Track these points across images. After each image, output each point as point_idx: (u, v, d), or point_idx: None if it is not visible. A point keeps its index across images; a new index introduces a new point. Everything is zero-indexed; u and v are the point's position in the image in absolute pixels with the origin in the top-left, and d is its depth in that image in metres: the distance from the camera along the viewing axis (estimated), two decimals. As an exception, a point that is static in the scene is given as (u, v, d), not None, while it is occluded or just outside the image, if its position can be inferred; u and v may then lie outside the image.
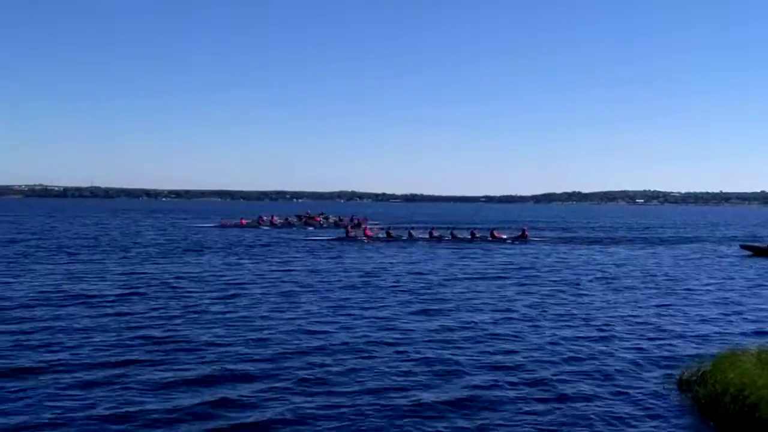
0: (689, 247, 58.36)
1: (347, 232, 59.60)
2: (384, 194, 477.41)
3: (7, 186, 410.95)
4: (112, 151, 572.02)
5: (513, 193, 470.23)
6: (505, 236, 61.07)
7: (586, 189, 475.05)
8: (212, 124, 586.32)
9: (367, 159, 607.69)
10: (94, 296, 24.56)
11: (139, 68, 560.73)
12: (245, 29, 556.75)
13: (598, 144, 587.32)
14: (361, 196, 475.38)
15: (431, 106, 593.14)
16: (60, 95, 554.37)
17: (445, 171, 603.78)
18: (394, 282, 30.41)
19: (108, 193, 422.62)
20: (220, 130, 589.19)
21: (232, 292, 26.43)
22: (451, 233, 61.03)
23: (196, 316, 21.28)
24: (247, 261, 38.59)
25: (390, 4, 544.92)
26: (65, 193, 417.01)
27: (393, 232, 61.02)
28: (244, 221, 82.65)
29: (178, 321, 20.40)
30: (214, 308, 22.68)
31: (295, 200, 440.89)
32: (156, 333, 18.59)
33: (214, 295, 25.69)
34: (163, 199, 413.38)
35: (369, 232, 60.65)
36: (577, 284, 31.34)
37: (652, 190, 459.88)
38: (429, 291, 27.91)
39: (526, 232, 62.80)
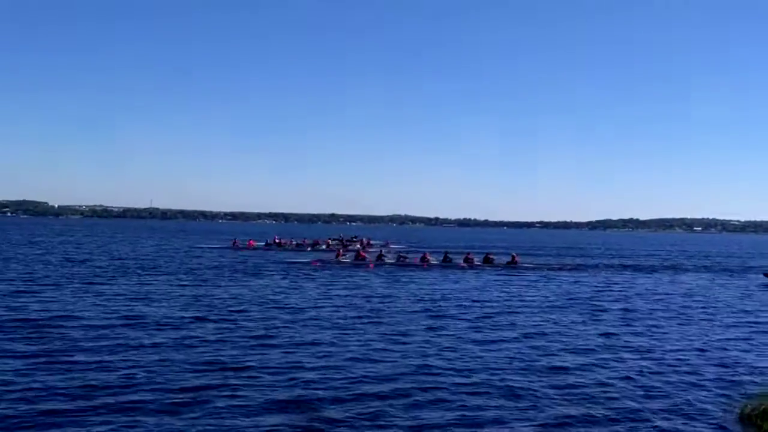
0: (756, 277, 56.96)
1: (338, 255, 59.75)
2: (437, 218, 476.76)
3: (69, 206, 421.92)
4: (171, 173, 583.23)
5: (568, 219, 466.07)
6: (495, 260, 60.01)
7: (642, 216, 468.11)
8: (267, 147, 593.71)
9: (420, 183, 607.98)
10: (164, 318, 25.03)
11: (197, 95, 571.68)
12: (298, 60, 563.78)
13: (656, 170, 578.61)
14: (414, 220, 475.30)
15: (484, 130, 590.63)
16: (120, 120, 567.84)
17: (500, 196, 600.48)
18: (441, 308, 30.32)
19: (166, 215, 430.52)
20: (275, 153, 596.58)
21: (292, 316, 26.73)
22: (445, 255, 59.96)
23: (269, 340, 21.58)
24: (306, 284, 38.94)
25: (452, 36, 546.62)
26: (124, 213, 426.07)
27: (368, 256, 59.93)
28: (253, 242, 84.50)
29: (250, 345, 20.70)
30: (284, 332, 22.96)
31: (348, 223, 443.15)
32: (226, 357, 18.84)
33: (284, 318, 26.04)
34: (220, 221, 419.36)
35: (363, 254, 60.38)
36: (641, 312, 31.05)
37: (710, 218, 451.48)
38: (491, 319, 27.72)
39: (516, 258, 60.75)
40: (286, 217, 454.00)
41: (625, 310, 32.09)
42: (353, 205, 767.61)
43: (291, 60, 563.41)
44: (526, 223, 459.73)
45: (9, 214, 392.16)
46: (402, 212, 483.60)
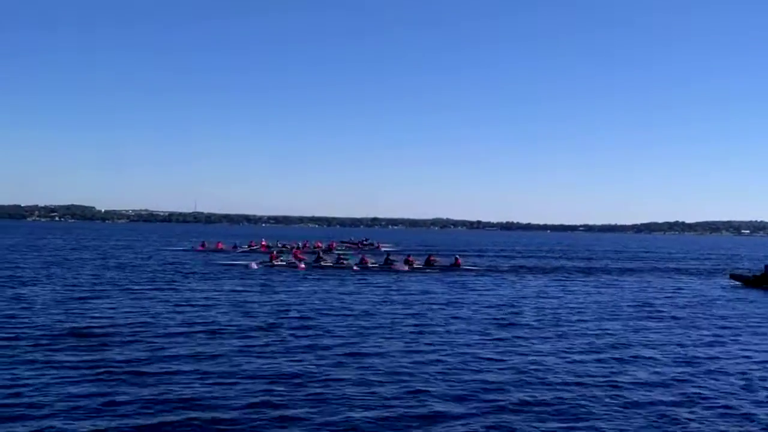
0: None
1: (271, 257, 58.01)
2: (479, 222, 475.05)
3: (115, 211, 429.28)
4: (215, 177, 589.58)
5: (613, 222, 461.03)
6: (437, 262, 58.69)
7: (688, 219, 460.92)
8: (310, 151, 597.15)
9: (461, 186, 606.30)
10: (224, 326, 25.06)
11: (240, 101, 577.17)
12: (341, 65, 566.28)
13: (702, 173, 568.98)
14: (455, 223, 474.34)
15: (528, 132, 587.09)
16: (166, 126, 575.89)
17: (543, 198, 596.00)
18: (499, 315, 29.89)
19: (210, 219, 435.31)
20: (318, 157, 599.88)
21: (352, 321, 26.56)
22: (386, 257, 58.91)
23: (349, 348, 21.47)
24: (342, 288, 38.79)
25: (506, 47, 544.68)
26: (169, 217, 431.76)
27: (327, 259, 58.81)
28: (221, 245, 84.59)
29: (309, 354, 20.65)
30: (349, 340, 22.84)
31: (390, 227, 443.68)
32: (294, 368, 18.69)
33: (344, 325, 25.87)
34: (263, 224, 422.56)
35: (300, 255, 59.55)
36: (700, 323, 30.13)
37: (758, 220, 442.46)
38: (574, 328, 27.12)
39: (459, 261, 59.66)
40: (328, 221, 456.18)
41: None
42: (395, 209, 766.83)
43: (331, 65, 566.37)
44: (570, 226, 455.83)
45: (57, 218, 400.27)
46: (444, 216, 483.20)
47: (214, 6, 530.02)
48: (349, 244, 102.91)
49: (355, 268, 53.86)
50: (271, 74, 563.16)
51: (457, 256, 62.13)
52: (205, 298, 33.75)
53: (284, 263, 56.01)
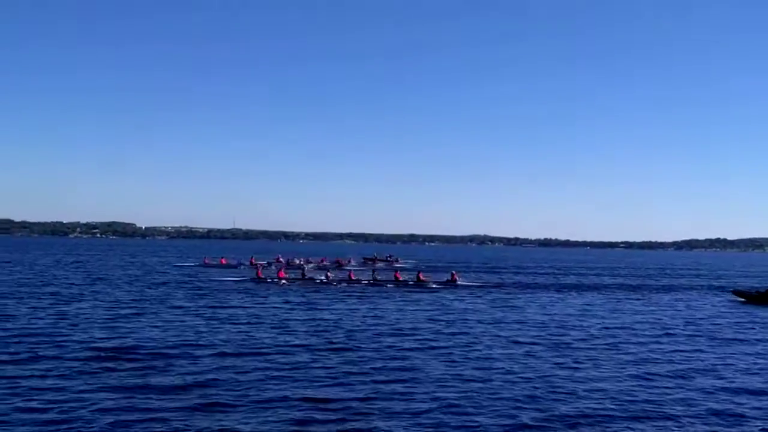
0: None
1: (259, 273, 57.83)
2: (517, 239, 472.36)
3: (155, 227, 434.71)
4: (253, 193, 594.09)
5: (653, 239, 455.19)
6: (432, 282, 57.38)
7: (730, 236, 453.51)
8: (348, 168, 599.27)
9: (500, 202, 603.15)
10: (274, 345, 24.92)
11: (278, 119, 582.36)
12: (378, 84, 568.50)
13: (743, 188, 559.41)
14: (493, 240, 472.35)
15: (568, 150, 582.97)
16: (205, 144, 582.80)
17: (582, 215, 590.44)
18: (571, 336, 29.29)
19: (248, 235, 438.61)
20: (356, 174, 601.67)
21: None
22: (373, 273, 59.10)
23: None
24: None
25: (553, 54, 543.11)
26: (208, 234, 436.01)
27: (308, 274, 58.48)
28: (224, 260, 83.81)
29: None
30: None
31: (427, 243, 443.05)
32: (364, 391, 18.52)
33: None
34: (301, 241, 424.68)
35: (282, 274, 58.21)
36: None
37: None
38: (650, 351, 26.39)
39: (455, 276, 58.84)
40: (365, 237, 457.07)
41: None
42: (432, 225, 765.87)
43: (368, 83, 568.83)
44: (610, 243, 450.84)
45: (99, 235, 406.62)
46: (481, 232, 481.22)
47: (265, 26, 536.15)
48: (369, 260, 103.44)
49: (319, 279, 55.13)
50: (311, 91, 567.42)
51: (454, 272, 61.15)
52: (249, 315, 33.67)
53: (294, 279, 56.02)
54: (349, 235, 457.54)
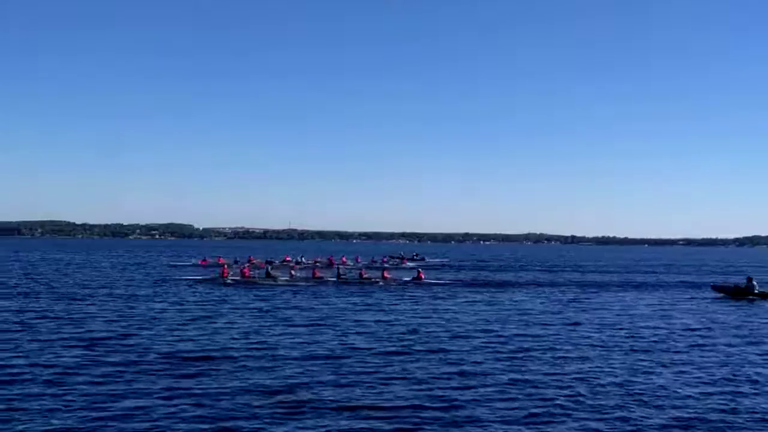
0: None
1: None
2: (573, 237, 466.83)
3: (213, 228, 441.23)
4: (309, 195, 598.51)
5: (714, 236, 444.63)
6: (406, 278, 55.86)
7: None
8: (402, 168, 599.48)
9: (556, 200, 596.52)
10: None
11: (331, 121, 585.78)
12: (431, 88, 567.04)
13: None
14: (549, 238, 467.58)
15: (625, 144, 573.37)
16: (261, 146, 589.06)
17: (641, 211, 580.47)
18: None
19: (303, 235, 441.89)
20: (410, 173, 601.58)
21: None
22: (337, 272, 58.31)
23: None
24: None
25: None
26: (264, 235, 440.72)
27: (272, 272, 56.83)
28: (222, 260, 79.96)
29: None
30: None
31: (481, 242, 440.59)
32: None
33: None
34: (354, 240, 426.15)
35: (247, 272, 56.57)
36: None
37: None
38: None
39: (421, 274, 56.10)
40: (418, 237, 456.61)
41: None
42: (487, 224, 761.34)
43: (423, 87, 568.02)
44: (669, 240, 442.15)
45: (157, 236, 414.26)
46: (537, 230, 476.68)
47: (317, 34, 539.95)
48: (395, 258, 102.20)
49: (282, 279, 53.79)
50: (366, 97, 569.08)
51: (419, 270, 59.28)
52: (304, 316, 33.26)
53: (237, 278, 54.40)
54: (403, 235, 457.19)
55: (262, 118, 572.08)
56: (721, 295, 48.65)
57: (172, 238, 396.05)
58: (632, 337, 27.69)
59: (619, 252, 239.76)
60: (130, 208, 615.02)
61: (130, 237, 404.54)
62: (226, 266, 59.99)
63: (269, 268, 60.70)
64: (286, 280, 53.69)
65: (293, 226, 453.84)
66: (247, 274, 55.38)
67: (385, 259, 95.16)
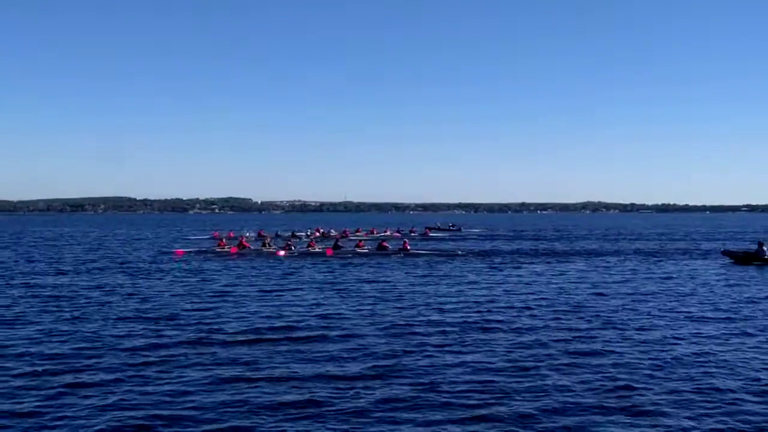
0: None
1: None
2: (633, 204, 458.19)
3: (271, 202, 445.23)
4: (364, 167, 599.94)
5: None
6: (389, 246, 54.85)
7: None
8: (456, 137, 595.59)
9: (614, 167, 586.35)
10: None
11: (388, 91, 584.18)
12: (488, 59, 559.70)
13: None
14: (608, 206, 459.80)
15: (682, 109, 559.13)
16: (315, 119, 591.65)
17: (701, 177, 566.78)
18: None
19: (359, 208, 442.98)
20: (465, 142, 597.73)
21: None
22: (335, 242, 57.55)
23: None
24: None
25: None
26: (321, 208, 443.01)
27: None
28: (232, 234, 77.11)
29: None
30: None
31: (539, 212, 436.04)
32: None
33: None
34: (411, 212, 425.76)
35: (246, 244, 56.65)
36: None
37: None
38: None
39: (407, 245, 54.84)
40: (475, 207, 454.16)
41: None
42: (545, 193, 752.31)
43: (474, 61, 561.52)
44: (731, 207, 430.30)
45: (217, 210, 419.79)
46: (595, 199, 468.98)
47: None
48: (432, 229, 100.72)
49: (280, 253, 52.19)
50: (421, 70, 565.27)
51: (406, 241, 58.15)
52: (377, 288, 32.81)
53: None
54: (459, 206, 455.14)
55: (317, 93, 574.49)
56: (730, 260, 47.16)
57: (231, 213, 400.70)
58: (702, 303, 26.82)
59: (681, 219, 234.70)
60: (190, 182, 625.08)
61: (190, 212, 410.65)
62: (223, 240, 60.09)
63: (266, 240, 60.37)
64: (285, 254, 52.54)
65: (349, 199, 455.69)
66: (246, 244, 56.22)
67: (413, 230, 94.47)
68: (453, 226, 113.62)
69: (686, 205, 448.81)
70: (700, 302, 27.36)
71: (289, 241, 58.51)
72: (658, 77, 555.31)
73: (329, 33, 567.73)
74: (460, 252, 55.29)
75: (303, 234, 79.77)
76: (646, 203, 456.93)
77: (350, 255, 52.17)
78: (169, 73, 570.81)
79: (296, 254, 52.44)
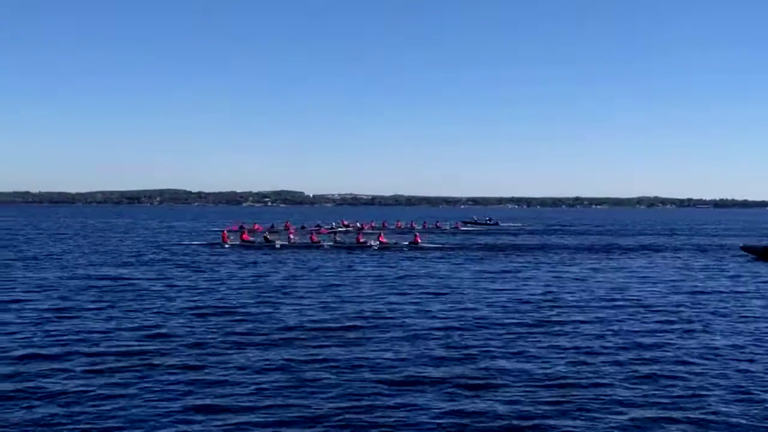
0: None
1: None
2: (690, 200, 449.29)
3: (322, 195, 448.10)
4: (415, 161, 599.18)
5: None
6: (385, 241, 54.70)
7: None
8: (507, 129, 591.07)
9: (671, 161, 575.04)
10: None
11: (433, 86, 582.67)
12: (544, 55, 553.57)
13: None
14: (664, 201, 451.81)
15: (738, 103, 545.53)
16: (366, 113, 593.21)
17: (762, 172, 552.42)
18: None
19: (410, 201, 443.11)
20: (517, 134, 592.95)
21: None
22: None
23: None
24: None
25: None
26: (372, 201, 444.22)
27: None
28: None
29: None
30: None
31: (594, 206, 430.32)
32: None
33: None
34: (461, 206, 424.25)
35: (246, 236, 57.97)
36: None
37: None
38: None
39: (418, 238, 55.31)
40: (528, 202, 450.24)
41: None
42: (599, 187, 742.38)
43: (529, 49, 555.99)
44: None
45: (270, 203, 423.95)
46: (651, 194, 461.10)
47: None
48: (468, 223, 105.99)
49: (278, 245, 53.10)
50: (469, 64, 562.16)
51: (417, 233, 59.00)
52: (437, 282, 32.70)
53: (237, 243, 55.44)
54: (511, 200, 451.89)
55: (370, 88, 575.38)
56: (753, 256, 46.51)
57: (284, 205, 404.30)
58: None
59: (741, 215, 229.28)
60: (243, 175, 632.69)
61: (243, 204, 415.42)
62: (225, 232, 60.47)
63: (267, 233, 61.55)
64: (284, 245, 53.65)
65: (399, 192, 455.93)
66: (246, 238, 56.97)
67: (439, 224, 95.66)
68: (490, 220, 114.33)
69: (745, 200, 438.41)
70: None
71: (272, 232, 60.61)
72: (716, 68, 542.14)
73: (406, 31, 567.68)
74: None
75: (327, 225, 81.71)
76: (704, 198, 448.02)
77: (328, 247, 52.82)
78: (228, 72, 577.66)
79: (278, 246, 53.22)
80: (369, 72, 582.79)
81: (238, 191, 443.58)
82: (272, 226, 79.65)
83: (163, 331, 19.44)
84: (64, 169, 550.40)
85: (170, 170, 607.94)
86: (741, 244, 51.93)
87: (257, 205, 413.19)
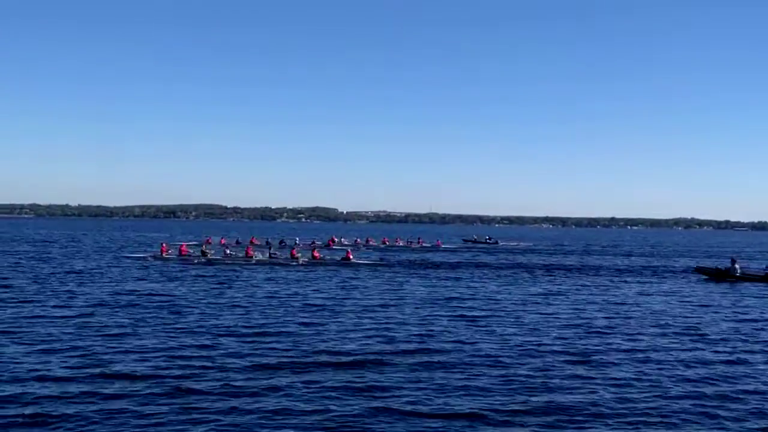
0: None
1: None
2: (728, 222, 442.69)
3: (356, 212, 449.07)
4: (449, 179, 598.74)
5: None
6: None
7: None
8: (543, 149, 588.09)
9: (709, 183, 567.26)
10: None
11: (464, 104, 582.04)
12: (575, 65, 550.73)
13: None
14: (701, 223, 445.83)
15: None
16: (401, 131, 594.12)
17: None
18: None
19: (444, 219, 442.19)
20: (552, 155, 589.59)
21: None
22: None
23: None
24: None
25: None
26: (406, 219, 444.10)
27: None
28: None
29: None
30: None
31: (629, 227, 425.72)
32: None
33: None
34: (496, 225, 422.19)
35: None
36: None
37: None
38: None
39: (349, 254, 54.91)
40: (563, 222, 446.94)
41: None
42: (635, 208, 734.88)
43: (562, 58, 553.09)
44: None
45: (304, 219, 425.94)
46: (688, 215, 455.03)
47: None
48: (468, 241, 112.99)
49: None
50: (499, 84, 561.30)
51: (349, 250, 58.60)
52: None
53: (174, 256, 55.34)
54: (546, 219, 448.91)
55: (402, 103, 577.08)
56: (705, 276, 47.94)
57: (318, 222, 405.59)
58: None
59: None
60: (278, 192, 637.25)
61: (278, 220, 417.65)
62: (164, 245, 60.33)
63: (204, 247, 61.32)
64: (219, 259, 53.97)
65: (434, 210, 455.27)
66: (184, 252, 56.73)
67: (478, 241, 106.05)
68: (489, 239, 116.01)
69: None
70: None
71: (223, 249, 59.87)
72: (743, 94, 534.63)
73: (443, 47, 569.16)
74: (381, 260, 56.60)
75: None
76: (741, 220, 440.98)
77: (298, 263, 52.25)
78: (264, 82, 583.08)
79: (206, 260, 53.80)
80: (407, 89, 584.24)
81: (273, 207, 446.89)
82: (237, 242, 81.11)
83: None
84: (102, 182, 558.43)
85: (206, 185, 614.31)
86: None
87: (291, 221, 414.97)
